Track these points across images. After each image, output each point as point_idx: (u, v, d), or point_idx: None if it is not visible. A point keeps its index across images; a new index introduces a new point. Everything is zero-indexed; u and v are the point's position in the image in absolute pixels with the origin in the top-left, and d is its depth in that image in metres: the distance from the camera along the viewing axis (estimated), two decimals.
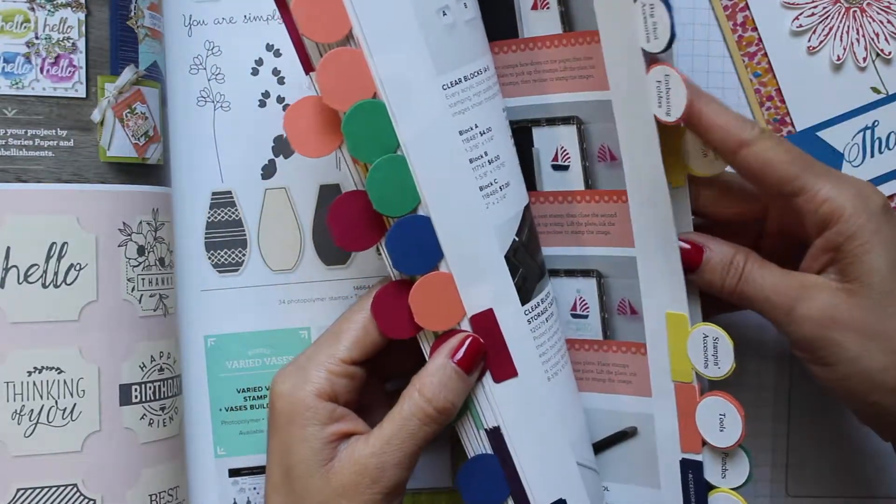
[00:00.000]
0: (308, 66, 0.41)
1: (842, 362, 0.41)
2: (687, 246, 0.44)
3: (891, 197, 0.52)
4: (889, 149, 0.52)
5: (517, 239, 0.44)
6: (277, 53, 0.52)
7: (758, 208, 0.46)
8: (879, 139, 0.52)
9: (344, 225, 0.41)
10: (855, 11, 0.52)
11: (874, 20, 0.52)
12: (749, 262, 0.43)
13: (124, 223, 0.47)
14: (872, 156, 0.52)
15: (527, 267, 0.44)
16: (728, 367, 0.44)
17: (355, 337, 0.43)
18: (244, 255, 0.52)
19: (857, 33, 0.52)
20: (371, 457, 0.41)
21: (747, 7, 0.52)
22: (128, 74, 0.47)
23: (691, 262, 0.44)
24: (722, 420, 0.45)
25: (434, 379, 0.41)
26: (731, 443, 0.44)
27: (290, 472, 0.42)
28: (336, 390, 0.42)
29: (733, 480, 0.46)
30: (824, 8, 0.52)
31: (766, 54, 0.52)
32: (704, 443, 0.45)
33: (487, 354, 0.43)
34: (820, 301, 0.41)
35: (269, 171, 0.52)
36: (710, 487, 0.46)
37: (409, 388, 0.42)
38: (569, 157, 0.47)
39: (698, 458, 0.46)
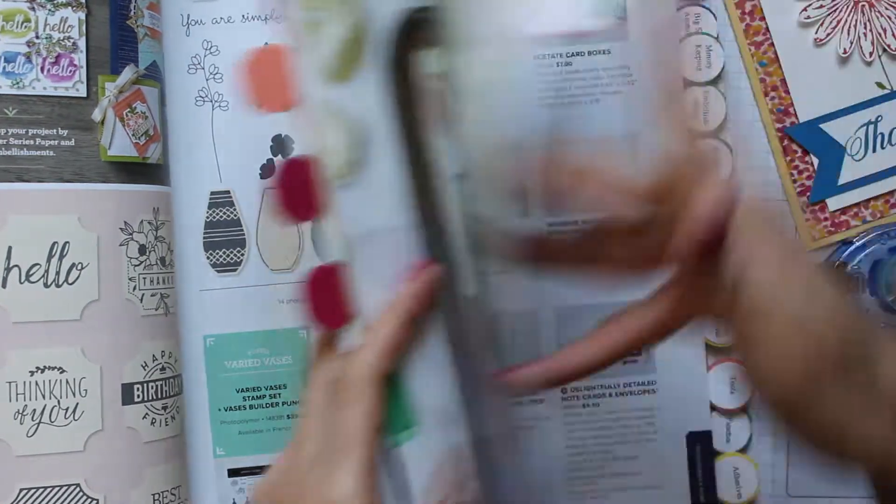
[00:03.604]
0: None
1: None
2: None
3: (891, 193, 0.52)
4: (891, 144, 0.52)
5: None
6: None
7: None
8: (882, 134, 0.52)
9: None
10: (864, 6, 0.51)
11: (882, 15, 0.51)
12: None
13: (125, 222, 0.47)
14: (874, 151, 0.52)
15: None
16: None
17: None
18: (243, 254, 0.52)
19: (865, 27, 0.51)
20: None
21: None
22: (128, 74, 0.47)
23: None
24: (733, 384, 0.50)
25: None
26: (740, 403, 0.50)
27: None
28: None
29: (736, 444, 0.51)
30: (833, 0, 0.51)
31: (772, 44, 0.52)
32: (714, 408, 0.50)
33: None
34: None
35: (267, 170, 0.52)
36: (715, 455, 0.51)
37: None
38: None
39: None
